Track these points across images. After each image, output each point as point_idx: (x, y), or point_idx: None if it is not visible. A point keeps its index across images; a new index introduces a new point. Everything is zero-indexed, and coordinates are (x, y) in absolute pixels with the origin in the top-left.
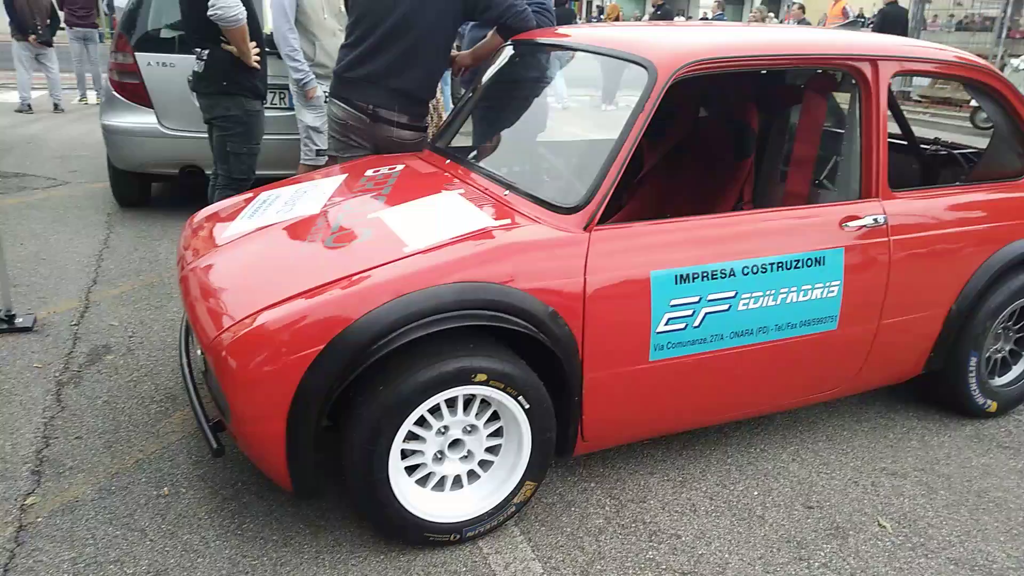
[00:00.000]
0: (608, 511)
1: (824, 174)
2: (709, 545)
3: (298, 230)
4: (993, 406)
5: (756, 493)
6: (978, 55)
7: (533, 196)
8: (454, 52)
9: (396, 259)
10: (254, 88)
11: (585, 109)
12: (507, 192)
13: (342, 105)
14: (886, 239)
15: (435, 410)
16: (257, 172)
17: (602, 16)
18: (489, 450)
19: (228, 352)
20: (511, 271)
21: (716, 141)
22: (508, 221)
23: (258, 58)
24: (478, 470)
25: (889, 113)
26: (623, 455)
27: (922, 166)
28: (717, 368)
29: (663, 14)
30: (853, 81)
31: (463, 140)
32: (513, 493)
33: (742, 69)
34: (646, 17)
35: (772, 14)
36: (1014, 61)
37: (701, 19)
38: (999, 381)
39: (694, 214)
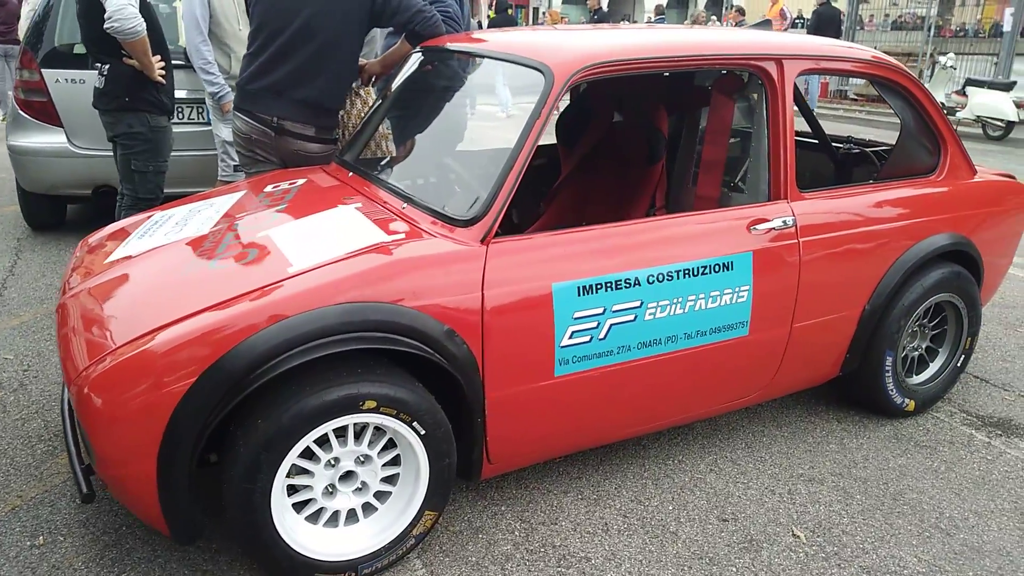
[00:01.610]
0: (517, 536)
1: (736, 177)
2: (619, 567)
3: (183, 253)
4: (911, 405)
5: (671, 508)
6: (908, 54)
7: (431, 209)
8: (363, 60)
9: (279, 280)
10: (159, 103)
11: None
12: (405, 205)
13: (245, 118)
14: (795, 241)
15: (324, 441)
16: (175, 190)
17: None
18: (387, 480)
19: (90, 388)
20: (403, 289)
21: (629, 145)
22: (402, 236)
23: (163, 72)
24: (374, 502)
25: (798, 112)
26: (537, 474)
27: (835, 166)
28: (626, 380)
29: (600, 18)
30: (759, 81)
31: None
32: (412, 524)
33: (641, 71)
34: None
35: (714, 17)
36: (941, 59)
37: (646, 23)
38: (916, 379)
39: (610, 220)
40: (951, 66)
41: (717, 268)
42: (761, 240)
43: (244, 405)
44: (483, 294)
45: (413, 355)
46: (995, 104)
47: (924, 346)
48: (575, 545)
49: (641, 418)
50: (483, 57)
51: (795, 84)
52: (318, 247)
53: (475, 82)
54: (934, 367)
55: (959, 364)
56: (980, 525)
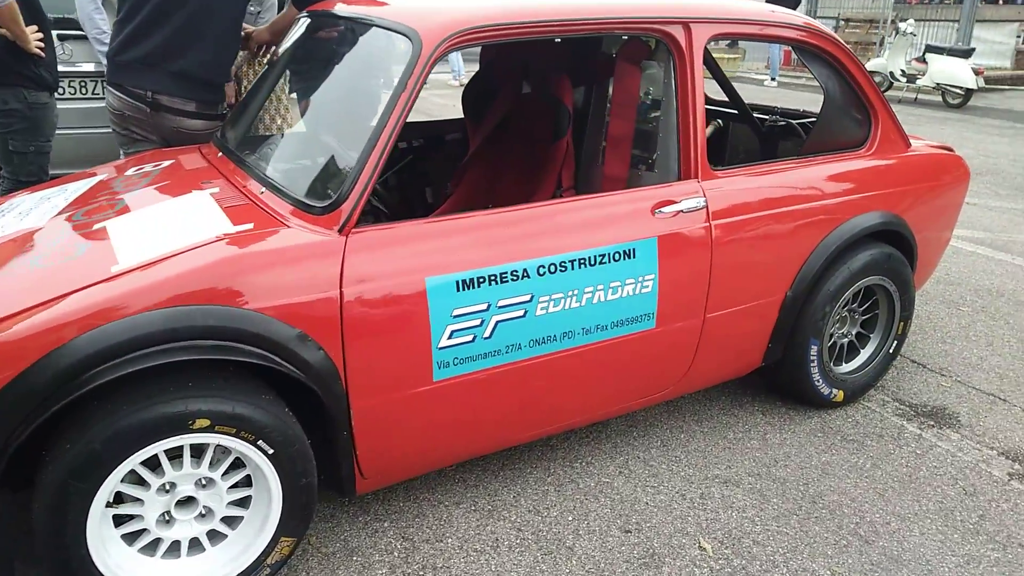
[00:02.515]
0: (396, 557)
1: (645, 154)
2: None
3: (8, 249)
4: (840, 395)
5: (571, 519)
6: (871, 20)
7: (289, 195)
8: (249, 27)
9: (98, 281)
10: (38, 77)
11: None
12: (264, 191)
13: (117, 93)
14: (706, 224)
15: (156, 464)
16: (65, 170)
17: None
18: (239, 503)
19: None
20: (246, 288)
21: (535, 120)
22: (250, 227)
23: (40, 44)
24: (223, 529)
25: (717, 81)
26: (429, 483)
27: (759, 140)
28: (517, 382)
29: None
30: (666, 48)
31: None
32: (266, 553)
33: (528, 37)
34: None
35: None
36: (902, 25)
37: None
38: (845, 368)
39: (520, 201)
40: (911, 32)
41: (617, 256)
42: (667, 224)
43: (58, 426)
44: (342, 292)
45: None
46: (954, 71)
47: (854, 332)
48: (459, 566)
49: (538, 421)
50: (362, 22)
51: (707, 50)
52: (154, 240)
53: (365, 50)
54: (865, 354)
55: (891, 351)
56: (902, 530)
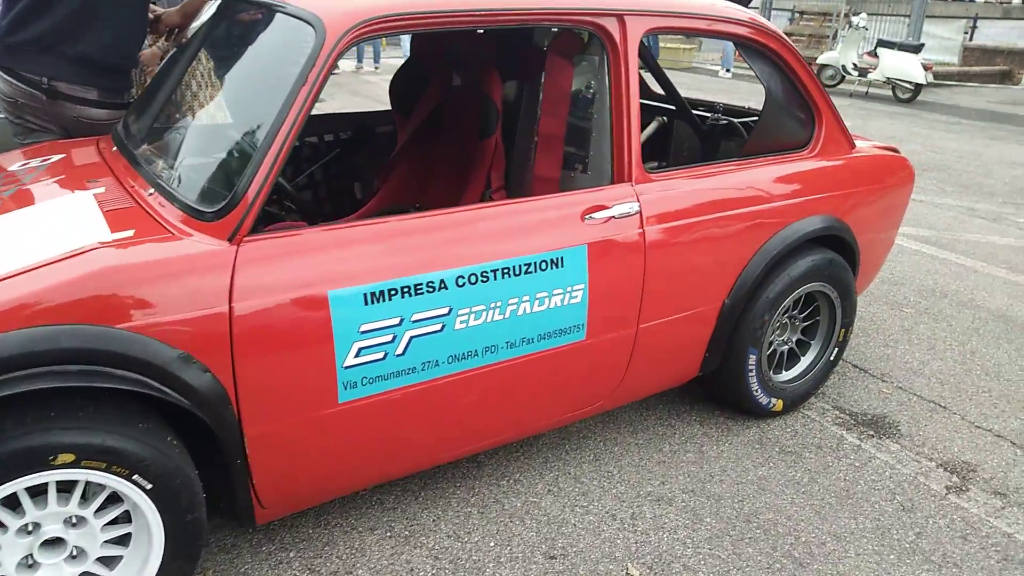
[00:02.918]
0: None
1: (580, 153)
2: None
3: None
4: (779, 404)
5: (493, 544)
6: (825, 14)
7: (178, 198)
8: (158, 8)
9: None
10: None
11: None
12: (152, 192)
13: (8, 79)
14: (640, 230)
15: (15, 503)
16: None
17: None
18: (119, 540)
19: None
20: (119, 304)
21: (464, 116)
22: (130, 234)
23: None
24: (100, 570)
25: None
26: (343, 507)
27: (699, 139)
28: (435, 401)
29: None
30: (599, 42)
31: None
32: None
33: (445, 28)
34: None
35: None
36: (854, 19)
37: None
38: (785, 376)
39: (448, 202)
40: (863, 26)
41: (544, 265)
42: (598, 231)
43: None
44: (231, 307)
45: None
46: (904, 66)
47: (794, 339)
48: None
49: (459, 441)
50: (271, 7)
51: (643, 44)
52: (17, 249)
53: (269, 37)
54: (805, 362)
55: (832, 358)
56: (837, 551)
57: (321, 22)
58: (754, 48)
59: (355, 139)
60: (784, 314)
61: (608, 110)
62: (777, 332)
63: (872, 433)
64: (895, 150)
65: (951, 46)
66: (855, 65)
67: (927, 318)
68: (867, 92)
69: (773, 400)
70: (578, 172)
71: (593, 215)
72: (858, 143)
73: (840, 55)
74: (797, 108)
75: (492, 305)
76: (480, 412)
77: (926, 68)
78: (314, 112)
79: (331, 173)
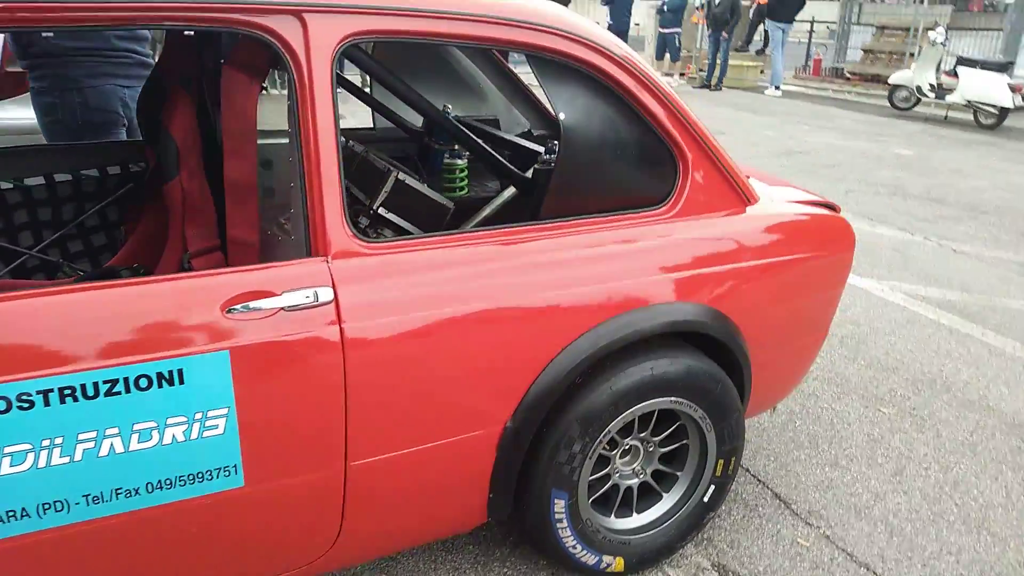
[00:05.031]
0: None
1: (286, 210)
2: None
3: None
4: (618, 564)
5: None
6: (906, 28)
7: None
8: None
9: None
10: None
11: None
12: None
13: None
14: (335, 328)
15: None
16: None
17: None
18: None
19: None
20: None
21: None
22: None
23: None
24: None
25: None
26: None
27: (522, 191)
28: None
29: None
30: (279, 54)
31: None
32: None
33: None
34: None
35: None
36: (931, 34)
37: None
38: (630, 523)
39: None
40: (940, 42)
41: (145, 382)
42: (254, 330)
43: None
44: None
45: None
46: (987, 87)
47: (650, 471)
48: None
49: None
50: None
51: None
52: None
53: None
54: (667, 502)
55: (707, 499)
56: None
57: None
58: (561, 65)
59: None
60: (630, 438)
61: (297, 150)
62: (623, 460)
63: None
64: (832, 207)
65: None
66: (932, 86)
67: (910, 424)
68: (946, 116)
69: (607, 559)
70: (287, 236)
71: (241, 307)
72: (774, 194)
73: (915, 74)
74: (641, 151)
75: (73, 437)
76: None
77: (1014, 90)
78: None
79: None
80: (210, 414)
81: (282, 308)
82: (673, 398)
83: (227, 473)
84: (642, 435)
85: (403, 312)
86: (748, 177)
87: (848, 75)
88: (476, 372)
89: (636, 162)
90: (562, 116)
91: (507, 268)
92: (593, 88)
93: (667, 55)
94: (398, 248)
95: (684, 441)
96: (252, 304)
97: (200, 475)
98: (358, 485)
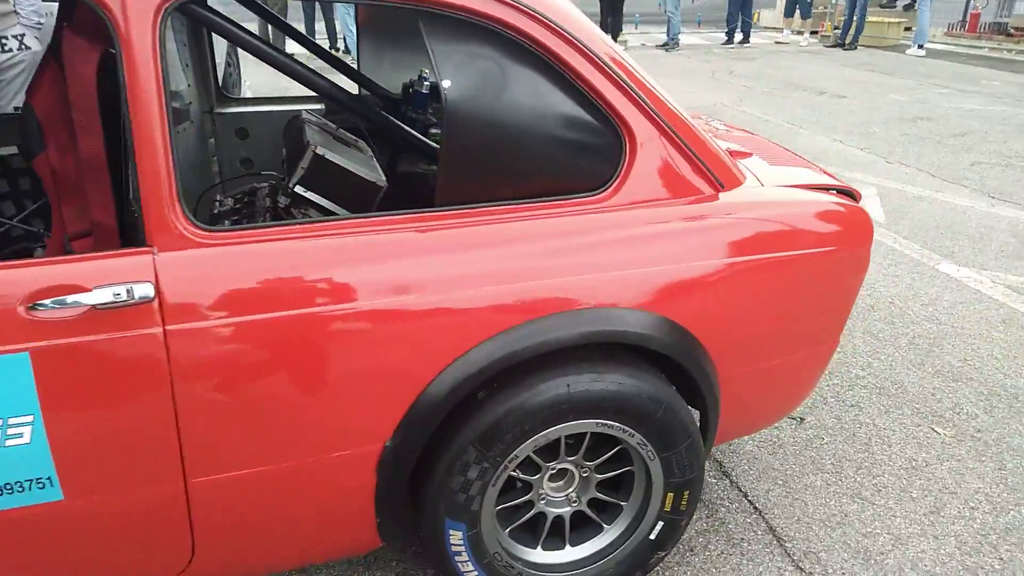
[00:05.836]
0: None
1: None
2: None
3: None
4: None
5: None
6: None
7: None
8: None
9: None
10: None
11: None
12: None
13: None
14: (157, 330)
15: None
16: None
17: None
18: None
19: None
20: None
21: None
22: None
23: None
24: None
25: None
26: None
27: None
28: None
29: None
30: (105, 19)
31: None
32: None
33: None
34: None
35: None
36: None
37: None
38: (559, 557)
39: None
40: None
41: None
42: (59, 330)
43: None
44: None
45: None
46: None
47: (585, 499)
48: None
49: None
50: None
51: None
52: None
53: None
54: (608, 536)
55: (655, 537)
56: None
57: None
58: (461, 22)
59: None
60: (556, 461)
61: (127, 130)
62: (553, 485)
63: None
64: (851, 194)
65: None
66: None
67: (968, 450)
68: None
69: None
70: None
71: (50, 302)
72: (773, 177)
73: None
74: (569, 128)
75: None
76: None
77: None
78: None
79: None
80: (11, 422)
81: (92, 306)
82: (600, 420)
83: (41, 485)
84: (572, 458)
85: (245, 312)
86: (751, 156)
87: (1012, 30)
88: (341, 384)
89: (563, 141)
90: (446, 84)
91: (384, 263)
92: (501, 50)
93: (797, 11)
94: (246, 237)
95: (629, 467)
96: (58, 300)
97: (9, 486)
98: (205, 503)
